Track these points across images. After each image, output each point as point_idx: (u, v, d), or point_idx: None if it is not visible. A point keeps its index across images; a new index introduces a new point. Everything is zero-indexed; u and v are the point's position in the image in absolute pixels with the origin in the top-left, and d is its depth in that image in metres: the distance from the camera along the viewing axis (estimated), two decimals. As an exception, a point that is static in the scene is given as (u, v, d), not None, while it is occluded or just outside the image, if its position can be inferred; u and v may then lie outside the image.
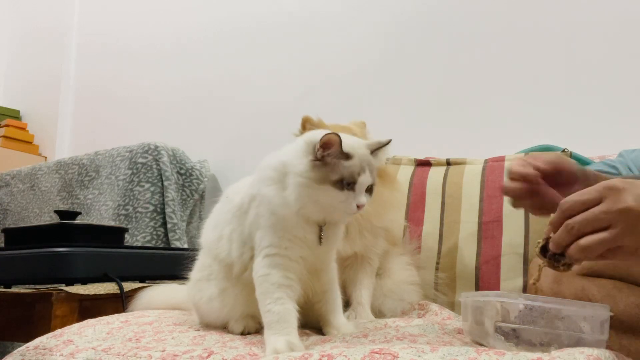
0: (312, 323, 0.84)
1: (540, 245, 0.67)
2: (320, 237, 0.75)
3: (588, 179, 0.77)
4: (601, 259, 0.60)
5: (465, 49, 1.80)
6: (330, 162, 0.69)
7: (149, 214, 2.08)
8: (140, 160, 2.16)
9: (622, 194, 0.57)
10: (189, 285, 0.91)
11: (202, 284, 0.86)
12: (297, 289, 0.74)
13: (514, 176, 0.76)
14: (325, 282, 0.82)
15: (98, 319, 0.91)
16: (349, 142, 0.72)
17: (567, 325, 0.62)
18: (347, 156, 0.70)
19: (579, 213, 0.60)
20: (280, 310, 0.71)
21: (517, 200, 0.77)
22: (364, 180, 0.70)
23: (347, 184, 0.69)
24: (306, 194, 0.70)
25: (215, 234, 0.84)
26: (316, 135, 0.70)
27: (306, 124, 1.13)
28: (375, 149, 0.75)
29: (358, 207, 0.70)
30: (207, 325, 0.87)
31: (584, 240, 0.59)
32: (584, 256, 0.60)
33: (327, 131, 0.69)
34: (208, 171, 2.33)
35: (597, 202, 0.59)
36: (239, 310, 0.82)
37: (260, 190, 0.74)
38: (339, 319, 0.83)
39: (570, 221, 0.60)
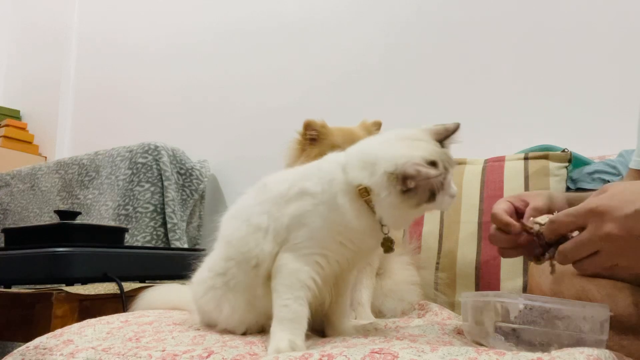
0: (316, 326, 0.83)
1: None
2: (387, 245, 0.73)
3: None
4: (606, 273, 0.62)
5: (465, 49, 1.80)
6: (421, 185, 0.66)
7: (149, 214, 2.08)
8: (140, 160, 2.16)
9: (603, 219, 0.58)
10: (198, 289, 0.83)
11: (221, 293, 0.78)
12: (316, 294, 0.72)
13: (500, 226, 0.75)
14: (343, 287, 0.81)
15: (98, 318, 0.91)
16: (425, 150, 0.68)
17: (567, 325, 0.62)
18: (432, 165, 0.67)
19: (567, 231, 0.64)
20: (297, 309, 0.69)
21: (505, 249, 0.76)
22: (450, 177, 0.69)
23: (438, 191, 0.67)
24: (401, 217, 0.70)
25: (247, 228, 0.76)
26: (400, 166, 0.65)
27: (308, 128, 1.12)
28: (444, 139, 0.73)
29: (452, 197, 0.70)
30: (209, 326, 0.87)
31: (578, 265, 0.63)
32: (583, 273, 0.64)
33: (401, 152, 0.67)
34: (208, 171, 2.33)
35: (581, 224, 0.61)
36: (256, 318, 0.78)
37: (328, 197, 0.71)
38: (344, 323, 0.82)
39: (561, 248, 0.64)
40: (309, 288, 0.71)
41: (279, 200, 0.74)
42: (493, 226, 0.77)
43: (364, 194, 0.69)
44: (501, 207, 0.76)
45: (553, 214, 0.67)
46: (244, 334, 0.80)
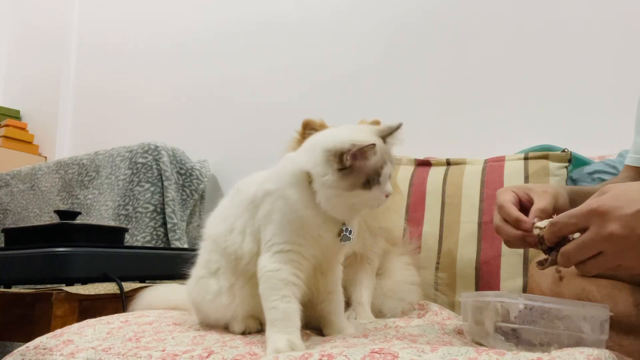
0: (313, 323, 0.84)
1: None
2: (341, 234, 0.75)
3: (575, 204, 0.75)
4: (609, 272, 0.62)
5: (465, 49, 1.80)
6: (357, 166, 0.68)
7: (149, 214, 2.08)
8: (140, 160, 2.16)
9: (606, 219, 0.58)
10: (190, 283, 0.88)
11: (207, 280, 0.83)
12: (303, 288, 0.74)
13: (509, 219, 0.75)
14: (331, 282, 0.82)
15: (98, 319, 0.91)
16: (365, 136, 0.71)
17: (567, 325, 0.62)
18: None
19: (568, 233, 0.63)
20: (285, 308, 0.70)
21: (511, 241, 0.76)
22: (387, 171, 0.71)
23: (373, 180, 0.70)
24: (337, 201, 0.71)
25: (225, 227, 0.81)
26: (338, 143, 0.69)
27: (307, 127, 1.12)
28: (386, 135, 0.75)
29: (386, 196, 0.72)
30: (208, 325, 0.87)
31: (581, 267, 0.62)
32: (587, 274, 0.64)
33: (342, 136, 0.70)
34: (208, 171, 2.33)
35: (585, 226, 0.60)
36: (245, 307, 0.80)
37: (281, 191, 0.73)
38: (341, 321, 0.83)
39: (564, 250, 0.63)
40: (293, 284, 0.72)
41: (249, 206, 0.78)
42: (498, 217, 0.76)
43: (309, 178, 0.71)
44: (507, 199, 0.76)
45: (554, 216, 0.66)
46: (243, 333, 0.81)
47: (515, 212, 0.74)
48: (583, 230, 0.61)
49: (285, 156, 0.80)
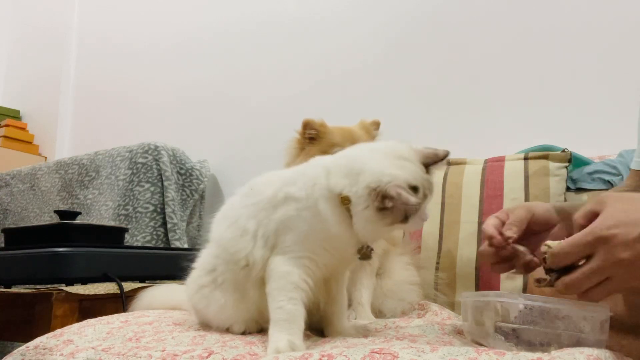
0: (314, 324, 0.84)
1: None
2: (365, 253, 0.74)
3: (566, 214, 0.75)
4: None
5: (465, 49, 1.80)
6: (399, 207, 0.66)
7: (149, 214, 2.08)
8: (140, 160, 2.16)
9: (613, 244, 0.57)
10: (190, 288, 0.85)
11: (211, 290, 0.80)
12: (310, 295, 0.73)
13: (484, 237, 0.75)
14: (337, 287, 0.81)
15: (98, 319, 0.91)
16: (410, 174, 0.68)
17: (567, 325, 0.62)
18: (413, 190, 0.68)
19: (572, 261, 0.61)
20: (291, 309, 0.70)
21: (494, 265, 0.76)
22: (426, 204, 0.70)
23: (412, 215, 0.68)
24: (374, 231, 0.70)
25: (234, 230, 0.77)
26: (383, 183, 0.66)
27: (307, 127, 1.13)
28: (431, 164, 0.72)
29: (424, 221, 0.71)
30: (204, 324, 0.87)
31: (586, 294, 0.61)
32: (590, 300, 0.62)
33: (386, 169, 0.67)
34: (208, 171, 2.33)
35: (589, 253, 0.59)
36: (249, 313, 0.79)
37: (312, 202, 0.71)
38: (343, 323, 0.82)
39: (567, 280, 0.61)
40: (301, 289, 0.72)
41: (266, 206, 0.75)
42: (485, 242, 0.76)
43: (345, 201, 0.69)
44: (490, 223, 0.76)
45: (563, 240, 0.64)
46: (243, 333, 0.81)
47: (491, 231, 0.74)
48: (587, 257, 0.60)
49: (313, 161, 0.77)
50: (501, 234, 0.73)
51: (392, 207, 0.66)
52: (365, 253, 0.74)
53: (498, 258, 0.74)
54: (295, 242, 0.72)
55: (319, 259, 0.73)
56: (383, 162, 0.70)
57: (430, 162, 0.72)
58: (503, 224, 0.76)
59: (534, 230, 0.76)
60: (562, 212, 0.77)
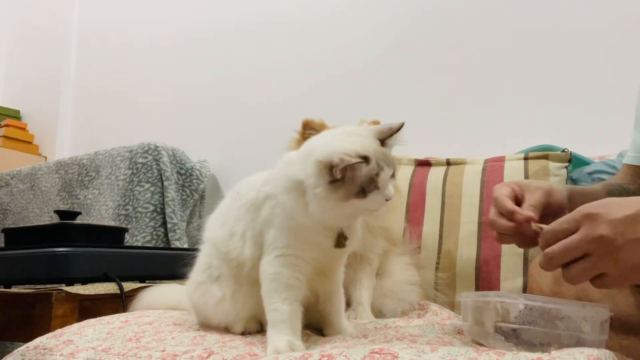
0: (313, 323, 0.84)
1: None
2: (339, 241, 0.74)
3: (575, 203, 0.75)
4: (594, 285, 0.60)
5: (465, 49, 1.80)
6: (348, 177, 0.65)
7: (149, 214, 2.08)
8: (140, 160, 2.16)
9: (597, 221, 0.57)
10: (190, 287, 0.87)
11: (208, 286, 0.82)
12: (304, 291, 0.74)
13: (503, 212, 0.73)
14: (332, 283, 0.81)
15: (98, 319, 0.91)
16: (360, 145, 0.68)
17: (567, 325, 0.62)
18: (363, 159, 0.67)
19: (561, 239, 0.60)
20: (286, 310, 0.71)
21: (503, 235, 0.75)
22: (385, 176, 0.68)
23: (369, 188, 0.67)
24: (332, 211, 0.69)
25: (225, 231, 0.80)
26: (328, 155, 0.65)
27: (307, 127, 1.12)
28: (386, 137, 0.72)
29: (387, 200, 0.69)
30: (208, 326, 0.87)
31: (565, 272, 0.60)
32: (571, 282, 0.61)
33: (334, 145, 0.66)
34: (208, 171, 2.33)
35: (575, 230, 0.59)
36: (247, 311, 0.80)
37: (277, 196, 0.72)
38: (342, 322, 0.82)
39: (549, 251, 0.61)
40: (294, 287, 0.72)
41: (250, 208, 0.77)
42: (494, 210, 0.75)
43: (303, 187, 0.69)
44: (503, 192, 0.75)
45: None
46: (243, 333, 0.81)
47: (510, 205, 0.73)
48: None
49: (283, 157, 0.78)
50: (525, 219, 0.71)
51: (342, 178, 0.65)
52: (339, 241, 0.73)
53: (509, 230, 0.73)
54: (275, 238, 0.73)
55: (303, 254, 0.73)
56: (332, 140, 0.71)
57: (385, 136, 0.72)
58: (515, 196, 0.75)
59: (548, 213, 0.75)
60: (571, 199, 0.78)
